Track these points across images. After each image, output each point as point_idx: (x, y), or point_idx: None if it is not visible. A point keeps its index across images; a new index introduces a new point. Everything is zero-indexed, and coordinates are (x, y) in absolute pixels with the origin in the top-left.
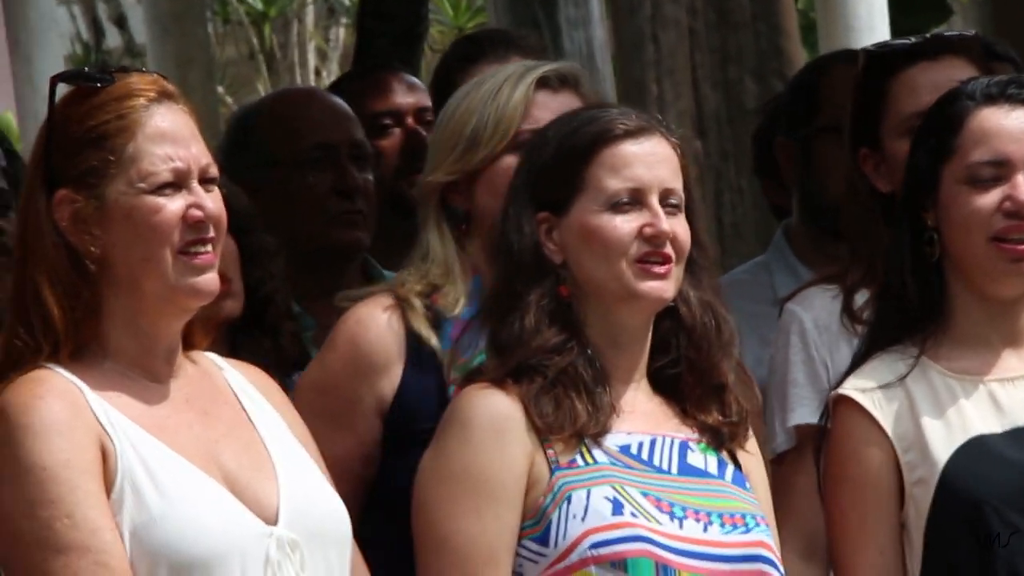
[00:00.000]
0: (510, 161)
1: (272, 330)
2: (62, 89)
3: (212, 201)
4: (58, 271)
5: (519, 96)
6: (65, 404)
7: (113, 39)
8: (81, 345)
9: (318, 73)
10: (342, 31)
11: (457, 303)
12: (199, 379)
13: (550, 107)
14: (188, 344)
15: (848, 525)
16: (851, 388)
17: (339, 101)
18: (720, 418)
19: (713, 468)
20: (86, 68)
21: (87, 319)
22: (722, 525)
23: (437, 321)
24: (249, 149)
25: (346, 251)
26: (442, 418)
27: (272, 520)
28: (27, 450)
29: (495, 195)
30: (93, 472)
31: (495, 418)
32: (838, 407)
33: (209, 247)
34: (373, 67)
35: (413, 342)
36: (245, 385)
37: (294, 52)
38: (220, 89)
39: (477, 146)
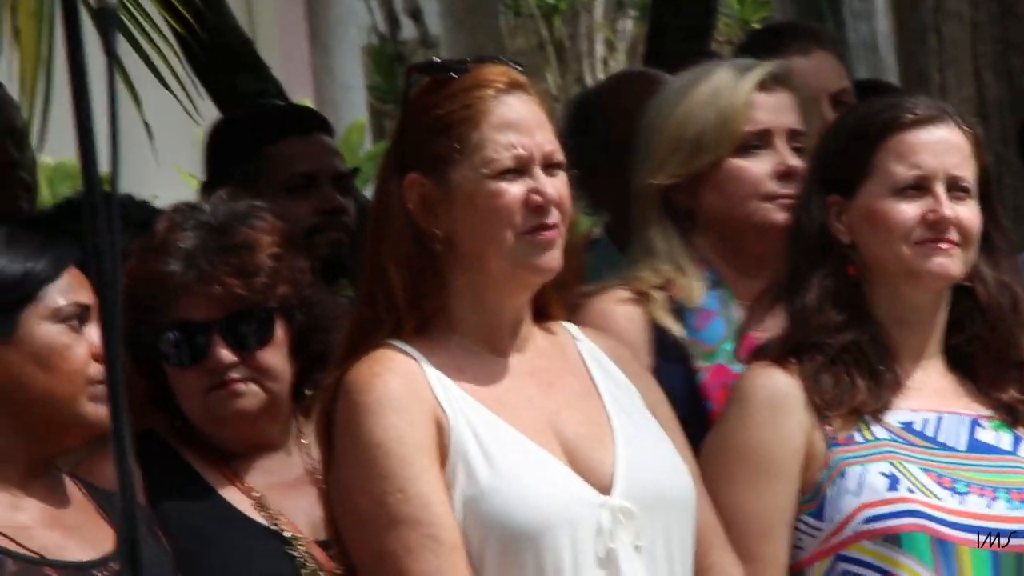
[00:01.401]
0: (736, 163)
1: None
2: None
3: (554, 186)
4: (404, 249)
5: (741, 99)
6: (402, 381)
7: (408, 31)
8: (426, 321)
9: (606, 63)
10: (629, 23)
11: (696, 294)
12: (549, 351)
13: (767, 107)
14: (545, 315)
15: None
16: None
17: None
18: (1016, 395)
19: (1007, 444)
20: (437, 59)
21: (431, 296)
22: (1009, 500)
23: (678, 312)
24: (586, 134)
25: None
26: (728, 394)
27: (607, 490)
28: (363, 427)
29: (723, 195)
30: (426, 448)
31: (774, 395)
32: None
33: (551, 227)
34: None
35: (656, 333)
36: (598, 354)
37: (582, 43)
38: None
39: (702, 150)
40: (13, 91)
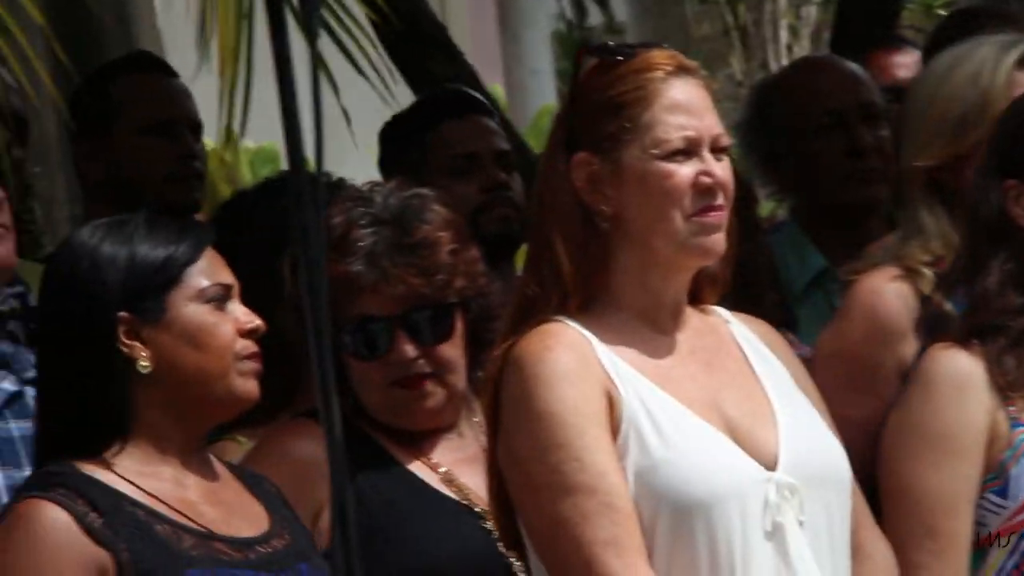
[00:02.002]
0: None
1: (755, 299)
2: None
3: (722, 169)
4: (571, 227)
5: (1002, 79)
6: (574, 355)
7: (595, 17)
8: (591, 298)
9: (790, 49)
10: (813, 9)
11: None
12: (705, 331)
13: None
14: (697, 299)
15: None
16: None
17: (850, 66)
18: None
19: None
20: (610, 43)
21: (595, 273)
22: None
23: (947, 288)
24: (768, 120)
25: (862, 208)
26: (910, 376)
27: (771, 466)
28: (538, 398)
29: None
30: (600, 419)
31: (956, 376)
32: None
33: (718, 209)
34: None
35: (925, 309)
36: (750, 336)
37: (767, 29)
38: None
39: (967, 131)
40: (213, 79)
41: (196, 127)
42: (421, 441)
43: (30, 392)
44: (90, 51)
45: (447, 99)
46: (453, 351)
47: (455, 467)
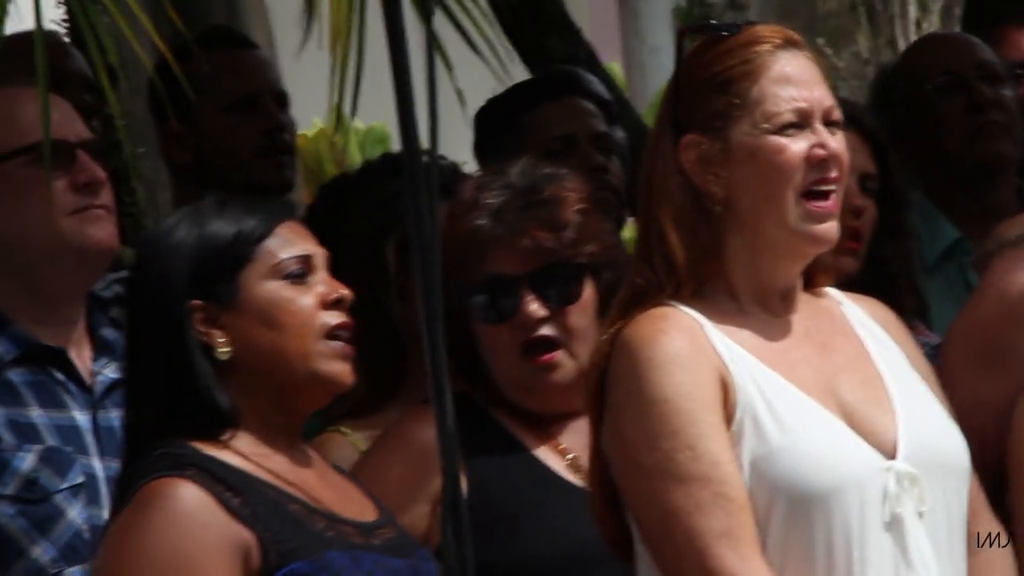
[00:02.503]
0: None
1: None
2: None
3: (836, 142)
4: (682, 212)
5: None
6: (687, 338)
7: None
8: (703, 282)
9: (919, 25)
10: None
11: None
12: (818, 314)
13: None
14: (809, 283)
15: None
16: None
17: (966, 35)
18: None
19: None
20: (712, 21)
21: (707, 258)
22: None
23: None
24: (891, 94)
25: (990, 166)
26: None
27: (891, 454)
28: (650, 383)
29: None
30: (713, 405)
31: None
32: None
33: (831, 192)
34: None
35: None
36: (865, 319)
37: (895, 5)
38: (820, 41)
39: None
40: (324, 59)
41: (281, 98)
42: (550, 425)
43: None
44: (194, 21)
45: (545, 80)
46: (583, 319)
47: (585, 452)
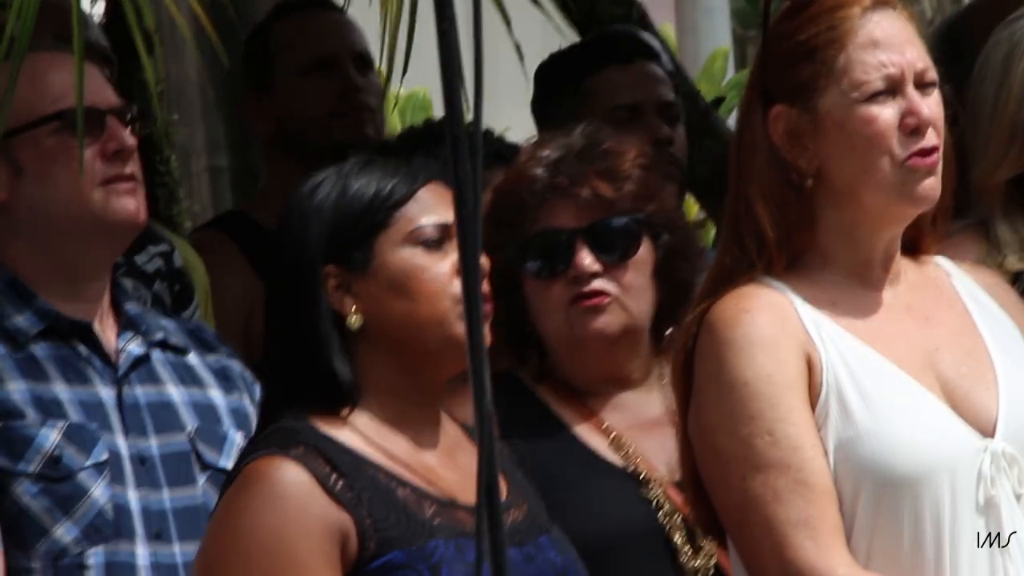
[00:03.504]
0: None
1: None
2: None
3: (929, 106)
4: (771, 186)
5: None
6: (772, 318)
7: None
8: (796, 257)
9: None
10: None
11: None
12: (922, 285)
13: None
14: (916, 249)
15: None
16: None
17: None
18: None
19: None
20: None
21: (799, 232)
22: None
23: None
24: (958, 59)
25: None
26: None
27: (989, 432)
28: (729, 365)
29: None
30: (796, 387)
31: None
32: None
33: (933, 150)
34: None
35: None
36: (974, 289)
37: None
38: None
39: None
40: (375, 21)
41: (361, 59)
42: (595, 401)
43: (156, 356)
44: None
45: (614, 41)
46: (638, 277)
47: (629, 430)
